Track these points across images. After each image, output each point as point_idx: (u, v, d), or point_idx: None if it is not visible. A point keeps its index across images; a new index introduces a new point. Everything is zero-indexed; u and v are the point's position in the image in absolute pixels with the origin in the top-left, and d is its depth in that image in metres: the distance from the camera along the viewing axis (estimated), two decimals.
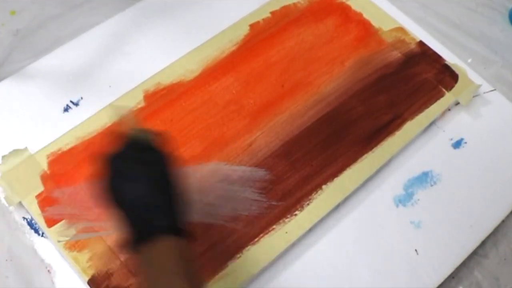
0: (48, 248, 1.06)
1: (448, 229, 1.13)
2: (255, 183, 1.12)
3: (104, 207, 0.85)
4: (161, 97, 1.21)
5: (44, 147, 1.13)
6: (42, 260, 1.05)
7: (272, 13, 1.35)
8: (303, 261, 1.08)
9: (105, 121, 1.16)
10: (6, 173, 1.09)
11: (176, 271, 0.78)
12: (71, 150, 1.13)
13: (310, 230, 1.10)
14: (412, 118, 1.22)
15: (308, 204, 1.11)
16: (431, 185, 1.17)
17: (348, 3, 1.38)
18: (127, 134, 0.89)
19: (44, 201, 1.07)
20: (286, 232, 1.08)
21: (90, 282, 1.01)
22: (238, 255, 1.05)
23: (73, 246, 1.03)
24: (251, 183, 1.12)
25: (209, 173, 1.12)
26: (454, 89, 1.26)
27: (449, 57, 1.32)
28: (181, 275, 0.78)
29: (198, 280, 0.80)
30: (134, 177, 0.83)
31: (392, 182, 1.17)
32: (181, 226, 0.83)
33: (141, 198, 0.82)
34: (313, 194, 1.12)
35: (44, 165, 1.11)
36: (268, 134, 1.18)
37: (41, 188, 1.08)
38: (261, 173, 1.13)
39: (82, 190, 1.09)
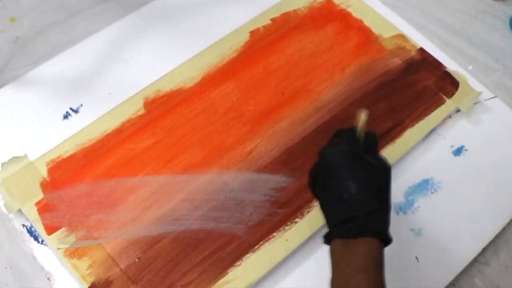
0: (48, 256, 1.06)
1: (449, 236, 1.13)
2: (256, 190, 1.12)
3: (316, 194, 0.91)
4: (161, 104, 1.20)
5: (44, 154, 1.13)
6: (42, 268, 1.05)
7: (273, 20, 1.35)
8: (303, 269, 1.08)
9: (105, 128, 1.16)
10: (5, 180, 1.09)
11: (371, 275, 0.80)
12: (70, 157, 1.13)
13: (311, 237, 1.10)
14: (412, 125, 1.22)
15: (308, 212, 1.10)
16: (432, 193, 1.17)
17: (349, 10, 1.38)
18: (349, 133, 0.94)
19: (44, 208, 1.06)
20: (287, 240, 1.07)
21: None
22: (238, 263, 1.05)
23: (73, 253, 1.03)
24: (252, 190, 1.11)
25: (209, 181, 1.12)
26: (454, 96, 1.26)
27: (450, 64, 1.31)
28: (376, 280, 0.81)
29: None
30: (358, 177, 0.86)
31: (392, 190, 1.16)
32: (388, 234, 0.86)
33: (365, 196, 0.85)
34: (313, 202, 1.11)
35: (43, 172, 1.10)
36: (268, 141, 1.18)
37: (40, 195, 1.08)
38: (263, 178, 1.13)
39: (82, 196, 1.08)
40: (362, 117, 0.94)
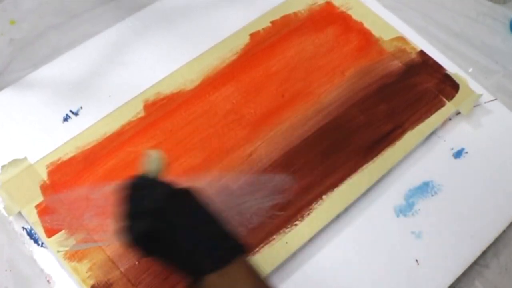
0: (48, 258, 1.06)
1: (449, 239, 1.13)
2: (256, 192, 1.11)
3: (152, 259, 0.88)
4: (161, 106, 1.20)
5: (44, 157, 1.13)
6: (42, 270, 1.05)
7: (273, 22, 1.35)
8: (303, 271, 1.08)
9: (104, 130, 1.16)
10: (5, 183, 1.09)
11: (258, 285, 0.81)
12: (70, 159, 1.13)
13: (311, 240, 1.10)
14: (412, 128, 1.22)
15: (308, 214, 1.10)
16: (432, 195, 1.17)
17: (349, 12, 1.38)
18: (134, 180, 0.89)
19: (44, 211, 1.06)
20: (287, 242, 1.07)
21: None
22: None
23: (73, 256, 1.03)
24: (252, 193, 1.11)
25: (209, 184, 1.12)
26: (455, 99, 1.25)
27: (450, 67, 1.31)
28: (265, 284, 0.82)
29: None
30: (177, 220, 0.84)
31: (393, 192, 1.17)
32: (240, 242, 0.85)
33: (193, 234, 0.83)
34: (313, 204, 1.11)
35: (43, 175, 1.10)
36: (268, 144, 1.17)
37: (40, 198, 1.08)
38: (263, 180, 1.13)
39: (82, 199, 1.08)
40: (151, 158, 0.93)
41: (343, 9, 1.39)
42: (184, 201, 0.86)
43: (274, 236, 1.08)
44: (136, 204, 0.85)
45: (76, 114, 1.21)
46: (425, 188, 1.18)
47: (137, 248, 0.83)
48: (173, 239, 0.82)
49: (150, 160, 0.93)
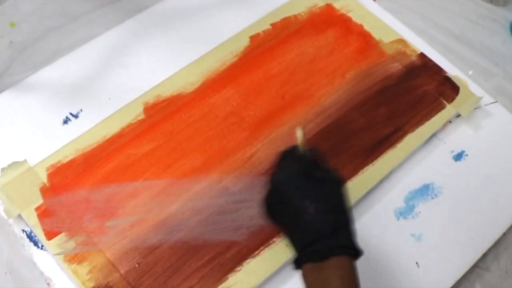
0: (48, 261, 1.06)
1: (449, 241, 1.13)
2: (256, 195, 1.11)
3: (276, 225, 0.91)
4: (161, 109, 1.20)
5: (44, 160, 1.13)
6: (42, 273, 1.05)
7: (273, 25, 1.35)
8: None
9: (104, 133, 1.16)
10: (5, 185, 1.09)
11: None
12: (70, 162, 1.13)
13: None
14: (413, 131, 1.21)
15: None
16: (432, 198, 1.17)
17: (349, 15, 1.38)
18: (294, 153, 0.94)
19: (44, 214, 1.06)
20: (287, 245, 1.07)
21: None
22: (239, 268, 1.04)
23: (73, 258, 1.03)
24: (252, 195, 1.11)
25: (209, 186, 1.12)
26: (455, 101, 1.25)
27: (450, 69, 1.31)
28: None
29: None
30: (313, 195, 0.85)
31: (393, 195, 1.17)
32: (357, 245, 0.85)
33: (324, 213, 0.84)
34: None
35: (43, 178, 1.10)
36: (268, 147, 1.17)
37: (40, 201, 1.08)
38: (263, 182, 1.13)
39: (82, 201, 1.08)
40: (299, 134, 0.94)
41: (343, 11, 1.39)
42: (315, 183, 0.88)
43: (275, 239, 1.07)
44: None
45: (76, 116, 1.21)
46: (425, 191, 1.18)
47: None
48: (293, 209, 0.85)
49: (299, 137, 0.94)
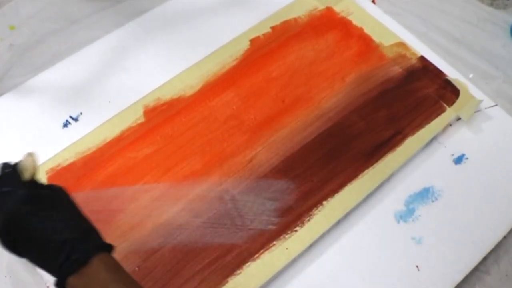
0: None
1: (450, 245, 1.13)
2: (256, 198, 1.11)
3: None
4: (161, 112, 1.20)
5: (43, 163, 1.12)
6: (41, 277, 1.05)
7: (273, 28, 1.35)
8: (303, 277, 1.07)
9: (104, 136, 1.16)
10: None
11: (123, 283, 0.79)
12: (70, 165, 1.13)
13: (311, 246, 1.09)
14: (413, 134, 1.21)
15: (308, 220, 1.10)
16: (432, 201, 1.17)
17: (349, 18, 1.38)
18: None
19: None
20: (287, 248, 1.07)
21: None
22: (238, 271, 1.04)
23: None
24: (252, 198, 1.11)
25: (209, 189, 1.12)
26: (455, 105, 1.25)
27: (450, 72, 1.31)
28: (128, 285, 0.80)
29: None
30: (49, 208, 0.84)
31: (393, 198, 1.16)
32: (104, 241, 0.83)
33: (64, 224, 0.82)
34: (313, 210, 1.11)
35: (43, 181, 1.10)
36: (268, 150, 1.17)
37: None
38: (263, 185, 1.13)
39: (81, 205, 1.08)
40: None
41: (343, 14, 1.39)
42: (42, 203, 0.85)
43: (275, 242, 1.07)
44: None
45: (75, 119, 1.21)
46: (425, 194, 1.17)
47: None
48: (32, 238, 0.81)
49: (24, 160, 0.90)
